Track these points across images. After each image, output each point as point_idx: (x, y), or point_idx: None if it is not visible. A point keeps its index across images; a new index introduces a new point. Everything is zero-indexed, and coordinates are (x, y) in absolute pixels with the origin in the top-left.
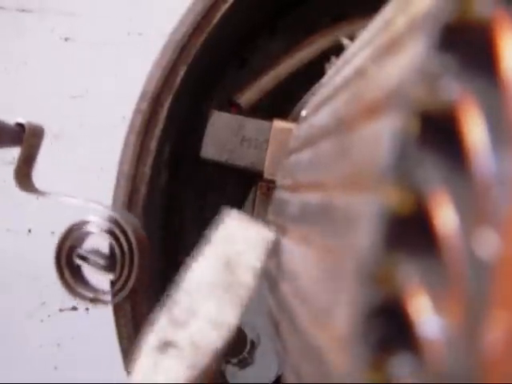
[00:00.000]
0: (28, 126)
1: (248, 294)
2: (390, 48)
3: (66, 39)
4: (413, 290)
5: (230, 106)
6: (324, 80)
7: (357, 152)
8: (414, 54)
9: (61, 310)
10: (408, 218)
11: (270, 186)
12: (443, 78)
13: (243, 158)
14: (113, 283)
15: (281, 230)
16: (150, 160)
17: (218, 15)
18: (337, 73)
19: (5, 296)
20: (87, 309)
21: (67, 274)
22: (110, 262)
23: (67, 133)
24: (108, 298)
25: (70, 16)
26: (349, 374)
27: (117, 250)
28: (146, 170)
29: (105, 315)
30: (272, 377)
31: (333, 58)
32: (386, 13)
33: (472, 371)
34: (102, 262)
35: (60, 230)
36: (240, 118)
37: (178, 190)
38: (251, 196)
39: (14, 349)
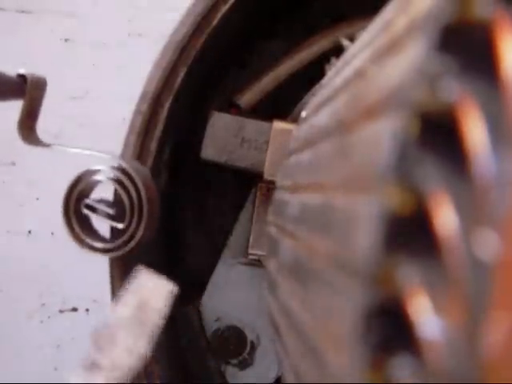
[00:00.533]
0: (30, 78)
1: (155, 329)
2: (390, 49)
3: (66, 40)
4: (413, 290)
5: (230, 107)
6: (324, 81)
7: (357, 153)
8: (414, 55)
9: (61, 311)
10: (408, 219)
11: (270, 186)
12: (443, 79)
13: (243, 159)
14: (121, 233)
15: (281, 230)
16: (150, 161)
17: (218, 16)
18: (337, 74)
19: (4, 297)
20: (87, 310)
21: (75, 225)
22: (119, 212)
23: (67, 134)
24: (117, 248)
25: (70, 17)
26: (349, 374)
27: (125, 200)
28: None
29: (105, 316)
30: (272, 377)
31: (333, 59)
32: (385, 14)
33: (472, 372)
34: (110, 211)
35: (60, 230)
36: (240, 119)
37: (177, 190)
38: (251, 197)
39: (14, 349)
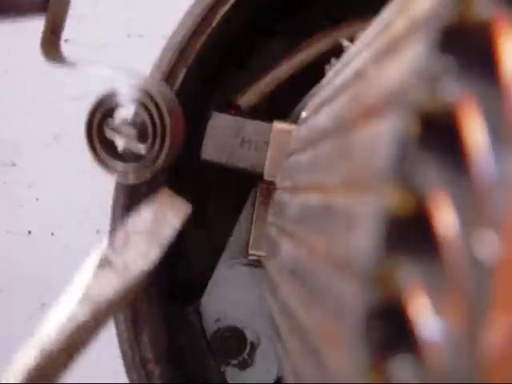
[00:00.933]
0: None
1: (167, 242)
2: (390, 50)
3: (66, 41)
4: (413, 291)
5: (230, 108)
6: (324, 81)
7: (357, 153)
8: (413, 56)
9: None
10: (408, 220)
11: (270, 187)
12: (443, 80)
13: (243, 160)
14: (143, 158)
15: (281, 231)
16: None
17: (218, 17)
18: (337, 74)
19: (4, 297)
20: None
21: (98, 147)
22: (143, 134)
23: (67, 134)
24: (138, 172)
25: (70, 18)
26: (349, 374)
27: (148, 123)
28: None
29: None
30: (272, 378)
31: (333, 60)
32: (385, 15)
33: (472, 372)
34: (133, 133)
35: (60, 231)
36: (240, 119)
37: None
38: (251, 197)
39: (14, 350)
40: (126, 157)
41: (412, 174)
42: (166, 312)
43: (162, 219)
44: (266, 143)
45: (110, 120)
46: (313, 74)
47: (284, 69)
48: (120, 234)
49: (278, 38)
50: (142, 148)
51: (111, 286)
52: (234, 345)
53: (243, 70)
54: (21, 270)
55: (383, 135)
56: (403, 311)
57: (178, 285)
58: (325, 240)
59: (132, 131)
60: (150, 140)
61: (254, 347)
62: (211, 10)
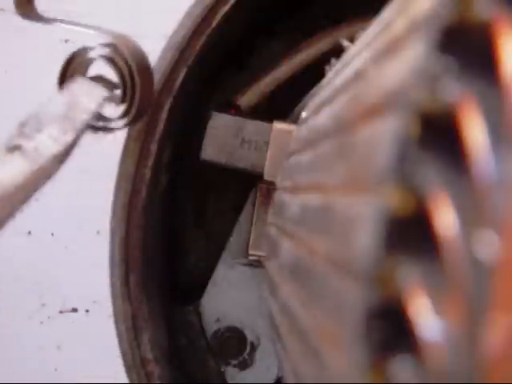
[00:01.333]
0: None
1: (82, 127)
2: (390, 50)
3: (66, 41)
4: (413, 291)
5: (230, 108)
6: (324, 82)
7: (357, 153)
8: (414, 56)
9: (61, 312)
10: (408, 220)
11: (270, 187)
12: (443, 80)
13: (243, 160)
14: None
15: (281, 231)
16: (150, 162)
17: (218, 17)
18: (337, 74)
19: (5, 298)
20: (87, 310)
21: None
22: (113, 89)
23: None
24: (114, 124)
25: (70, 18)
26: (349, 374)
27: (118, 76)
28: (147, 171)
29: (105, 317)
30: (272, 378)
31: (333, 60)
32: (385, 15)
33: (472, 372)
34: (103, 90)
35: (60, 231)
36: (240, 119)
37: (178, 191)
38: (251, 197)
39: (14, 350)
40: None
41: (412, 174)
42: (166, 312)
43: (76, 104)
44: (266, 143)
45: (82, 77)
46: (313, 74)
47: (284, 69)
48: (31, 119)
49: (278, 38)
50: (115, 100)
51: (20, 171)
52: (234, 345)
53: (243, 70)
54: (21, 270)
55: (383, 135)
56: (403, 311)
57: (178, 285)
58: (325, 240)
59: (101, 89)
60: (121, 91)
61: (254, 347)
62: (211, 11)
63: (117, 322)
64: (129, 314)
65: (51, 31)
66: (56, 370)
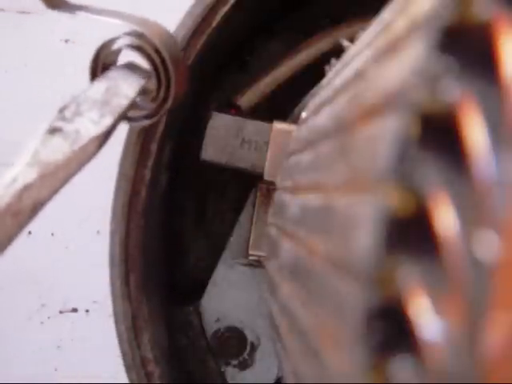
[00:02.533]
0: None
1: (122, 112)
2: (390, 50)
3: (67, 41)
4: (413, 291)
5: (230, 108)
6: (324, 82)
7: (357, 154)
8: (414, 56)
9: (61, 312)
10: (408, 220)
11: (270, 187)
12: (444, 80)
13: (243, 160)
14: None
15: (281, 231)
16: (150, 162)
17: (218, 17)
18: (336, 75)
19: (5, 298)
20: (87, 310)
21: None
22: (148, 77)
23: None
24: (150, 116)
25: (70, 18)
26: (349, 374)
27: (150, 66)
28: (147, 172)
29: (105, 317)
30: (272, 378)
31: (333, 60)
32: (385, 15)
33: (472, 373)
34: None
35: (60, 231)
36: (240, 119)
37: (178, 191)
38: (251, 198)
39: (14, 350)
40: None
41: (412, 174)
42: (166, 312)
43: (115, 89)
44: (266, 143)
45: (113, 66)
46: (313, 74)
47: (284, 69)
48: (71, 104)
49: (278, 38)
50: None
51: (61, 151)
52: (234, 345)
53: (244, 70)
54: (21, 270)
55: (383, 135)
56: (403, 311)
57: (178, 285)
58: (325, 240)
59: (138, 77)
60: (154, 81)
61: (254, 347)
62: (211, 11)
63: (117, 322)
64: (129, 314)
65: (51, 32)
66: (56, 369)
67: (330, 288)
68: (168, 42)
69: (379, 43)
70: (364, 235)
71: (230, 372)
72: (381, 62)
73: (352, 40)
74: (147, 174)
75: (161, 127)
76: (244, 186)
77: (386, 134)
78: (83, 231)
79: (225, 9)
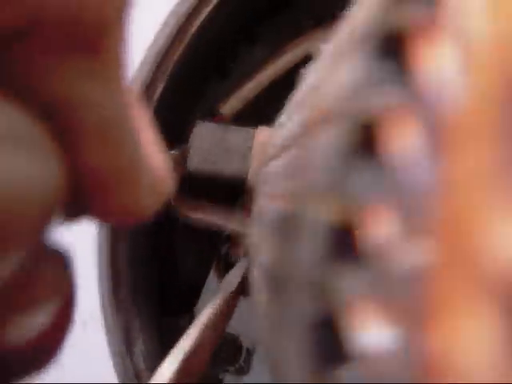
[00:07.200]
0: None
1: None
2: (336, 60)
3: None
4: (353, 301)
5: (213, 116)
6: (299, 86)
7: (308, 163)
8: (352, 67)
9: None
10: (346, 230)
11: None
12: (376, 89)
13: (228, 167)
14: None
15: (260, 239)
16: None
17: (195, 26)
18: (304, 80)
19: None
20: (85, 323)
21: None
22: None
23: None
24: None
25: None
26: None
27: None
28: None
29: (100, 331)
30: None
31: (307, 65)
32: (339, 27)
33: (414, 380)
34: None
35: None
36: (223, 127)
37: (167, 204)
38: (240, 204)
39: None
40: None
41: (348, 185)
42: (160, 322)
43: None
44: (251, 149)
45: None
46: (296, 77)
47: (267, 74)
48: None
49: (260, 43)
50: None
51: None
52: (230, 352)
53: (227, 77)
54: None
55: (323, 147)
56: (344, 321)
57: (171, 294)
58: (281, 250)
59: None
60: None
61: (249, 353)
62: (187, 21)
63: (108, 335)
64: (121, 326)
65: None
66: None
67: (285, 298)
68: None
69: (331, 52)
70: (306, 247)
71: (228, 379)
72: (329, 73)
73: None
74: None
75: None
76: (232, 193)
77: (324, 146)
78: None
79: (201, 18)
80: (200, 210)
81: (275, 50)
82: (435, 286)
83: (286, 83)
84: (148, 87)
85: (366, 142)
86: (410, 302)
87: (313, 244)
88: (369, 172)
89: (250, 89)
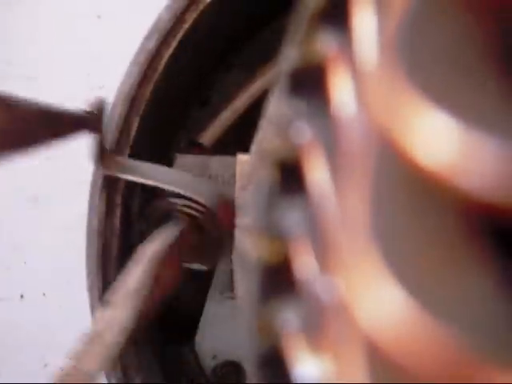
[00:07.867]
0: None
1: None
2: (275, 93)
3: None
4: (290, 335)
5: (193, 147)
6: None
7: (250, 201)
8: (271, 105)
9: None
10: (278, 267)
11: None
12: (293, 125)
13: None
14: None
15: (238, 269)
16: (118, 212)
17: (163, 63)
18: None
19: (7, 364)
20: None
21: None
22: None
23: (44, 194)
24: None
25: (29, 80)
26: None
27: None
28: (115, 222)
29: None
30: None
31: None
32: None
33: None
34: None
35: (51, 291)
36: (203, 157)
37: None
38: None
39: None
40: None
41: (277, 221)
42: (160, 356)
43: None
44: (233, 176)
45: None
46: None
47: (243, 99)
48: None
49: (237, 67)
50: None
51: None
52: (233, 379)
53: (206, 105)
54: (19, 334)
55: (257, 186)
56: (285, 355)
57: (169, 327)
58: (236, 283)
59: None
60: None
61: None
62: (155, 57)
63: (106, 375)
64: (119, 366)
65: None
66: None
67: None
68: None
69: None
70: (246, 285)
71: None
72: (269, 108)
73: None
74: (116, 224)
75: (123, 179)
76: None
77: (258, 185)
78: (73, 289)
79: (169, 51)
80: None
81: (249, 75)
82: (335, 317)
83: (261, 108)
84: (122, 128)
85: (290, 176)
86: (333, 333)
87: (250, 282)
88: (295, 206)
89: (227, 116)
